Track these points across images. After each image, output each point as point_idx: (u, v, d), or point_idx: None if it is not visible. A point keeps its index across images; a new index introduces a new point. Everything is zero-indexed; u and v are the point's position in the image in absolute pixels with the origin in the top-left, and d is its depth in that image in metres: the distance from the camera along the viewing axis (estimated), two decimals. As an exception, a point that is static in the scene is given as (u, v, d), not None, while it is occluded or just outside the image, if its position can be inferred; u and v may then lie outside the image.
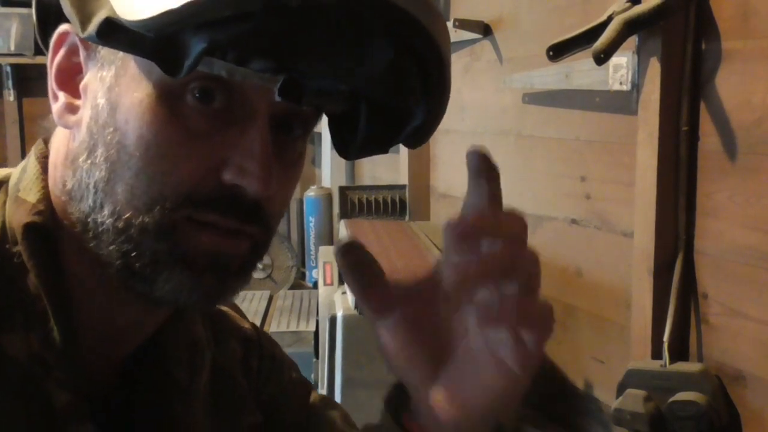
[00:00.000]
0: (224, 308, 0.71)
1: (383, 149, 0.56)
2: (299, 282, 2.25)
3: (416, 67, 0.50)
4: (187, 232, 0.52)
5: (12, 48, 3.45)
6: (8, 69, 3.55)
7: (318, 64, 0.48)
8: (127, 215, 0.51)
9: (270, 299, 2.00)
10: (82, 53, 0.55)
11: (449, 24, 1.73)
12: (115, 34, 0.47)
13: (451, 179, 1.93)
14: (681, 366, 1.12)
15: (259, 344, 0.73)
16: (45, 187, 0.56)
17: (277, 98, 0.48)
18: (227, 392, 0.67)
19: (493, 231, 0.45)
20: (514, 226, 0.46)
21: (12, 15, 3.40)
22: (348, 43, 0.48)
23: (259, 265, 2.16)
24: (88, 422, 0.53)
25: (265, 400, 0.71)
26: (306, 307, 1.89)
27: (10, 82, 3.59)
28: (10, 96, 3.61)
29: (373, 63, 0.49)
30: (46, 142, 0.59)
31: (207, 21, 0.46)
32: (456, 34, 1.75)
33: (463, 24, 1.70)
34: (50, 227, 0.55)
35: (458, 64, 1.83)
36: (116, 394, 0.60)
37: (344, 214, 2.00)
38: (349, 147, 0.57)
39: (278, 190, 0.54)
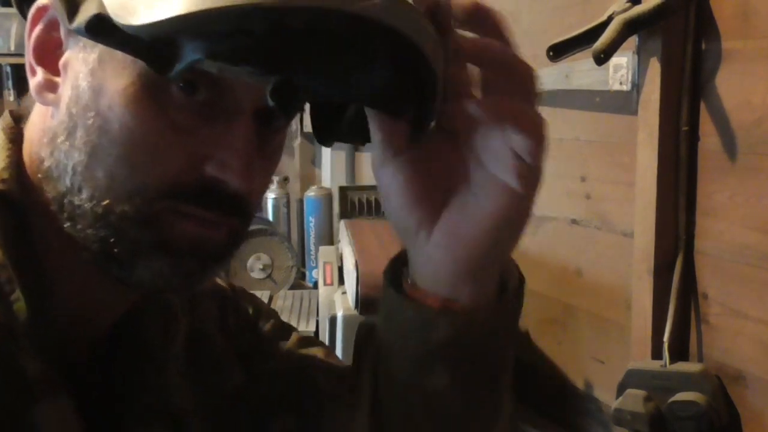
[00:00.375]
0: None
1: (367, 140, 0.55)
2: (299, 282, 2.25)
3: (411, 82, 0.50)
4: (169, 221, 0.52)
5: (12, 48, 3.44)
6: (8, 69, 3.55)
7: (313, 75, 0.48)
8: (107, 202, 0.51)
9: (270, 299, 2.00)
10: (62, 29, 0.54)
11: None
12: (105, 30, 0.46)
13: (451, 179, 1.92)
14: (681, 366, 1.12)
15: (235, 301, 0.73)
16: (10, 157, 0.55)
17: (270, 102, 0.48)
18: (206, 355, 0.67)
19: (492, 29, 0.48)
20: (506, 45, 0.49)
21: (12, 15, 3.40)
22: (347, 62, 0.47)
23: (260, 265, 2.16)
24: (62, 392, 0.52)
25: (243, 354, 0.70)
26: (306, 307, 1.89)
27: (10, 82, 3.58)
28: (10, 96, 3.61)
29: (371, 79, 0.48)
30: (12, 114, 0.58)
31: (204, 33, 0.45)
32: (456, 34, 1.75)
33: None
34: (17, 197, 0.54)
35: (458, 64, 1.83)
36: (93, 365, 0.60)
37: (344, 214, 2.00)
38: (330, 134, 0.56)
39: (259, 181, 0.54)
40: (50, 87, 0.54)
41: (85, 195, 0.51)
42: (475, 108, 0.48)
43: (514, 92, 0.48)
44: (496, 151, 0.49)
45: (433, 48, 0.48)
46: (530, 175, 0.49)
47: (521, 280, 0.57)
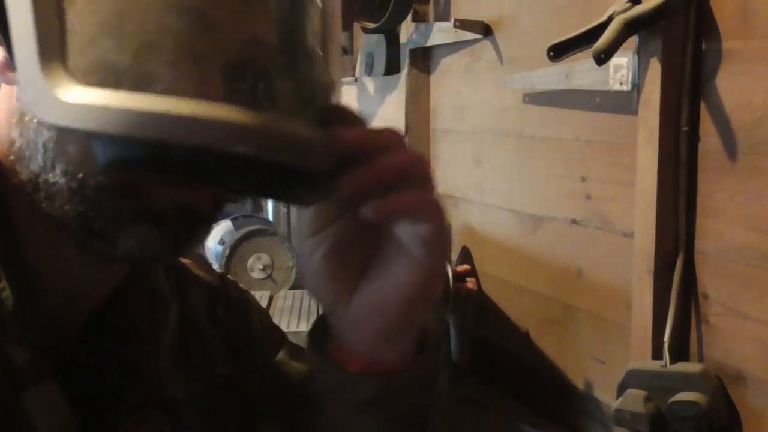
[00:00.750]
0: (187, 260, 0.70)
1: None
2: (299, 282, 2.25)
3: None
4: (150, 188, 0.51)
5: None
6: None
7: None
8: (81, 175, 0.50)
9: (270, 299, 2.00)
10: None
11: (449, 24, 1.73)
12: None
13: (451, 179, 1.93)
14: (681, 366, 1.12)
15: (225, 293, 0.73)
16: None
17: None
18: (197, 343, 0.67)
19: (372, 145, 0.50)
20: (391, 139, 0.51)
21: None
22: (234, 178, 0.49)
23: (260, 266, 2.16)
24: (50, 379, 0.52)
25: (232, 346, 0.70)
26: (306, 307, 1.89)
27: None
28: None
29: (265, 184, 0.50)
30: None
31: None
32: (456, 35, 1.75)
33: (463, 24, 1.70)
34: None
35: (458, 64, 1.83)
36: (82, 350, 0.59)
37: (344, 215, 2.00)
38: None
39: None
40: (11, 65, 0.52)
41: (58, 171, 0.50)
42: (369, 211, 0.50)
43: (409, 185, 0.50)
44: (401, 235, 0.52)
45: (325, 161, 0.48)
46: (434, 252, 0.52)
47: (438, 339, 0.60)
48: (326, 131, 0.48)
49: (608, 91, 1.26)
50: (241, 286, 0.78)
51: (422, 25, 1.91)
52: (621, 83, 1.22)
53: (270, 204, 2.50)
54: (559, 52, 1.22)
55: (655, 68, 1.14)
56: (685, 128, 1.12)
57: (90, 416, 0.55)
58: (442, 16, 1.88)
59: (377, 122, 2.22)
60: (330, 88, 0.54)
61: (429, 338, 0.59)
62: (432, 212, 0.51)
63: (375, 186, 0.50)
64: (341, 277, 0.54)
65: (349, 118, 0.52)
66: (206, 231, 0.56)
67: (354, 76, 2.37)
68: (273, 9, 0.50)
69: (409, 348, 0.57)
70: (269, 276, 2.15)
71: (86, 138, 0.47)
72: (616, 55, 1.12)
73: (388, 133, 0.51)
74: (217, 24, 0.47)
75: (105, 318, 0.61)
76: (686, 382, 1.09)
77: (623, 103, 1.25)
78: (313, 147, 0.47)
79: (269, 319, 0.77)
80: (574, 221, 1.42)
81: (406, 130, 2.01)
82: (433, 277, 0.54)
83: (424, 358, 0.58)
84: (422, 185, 0.51)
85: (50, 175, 0.51)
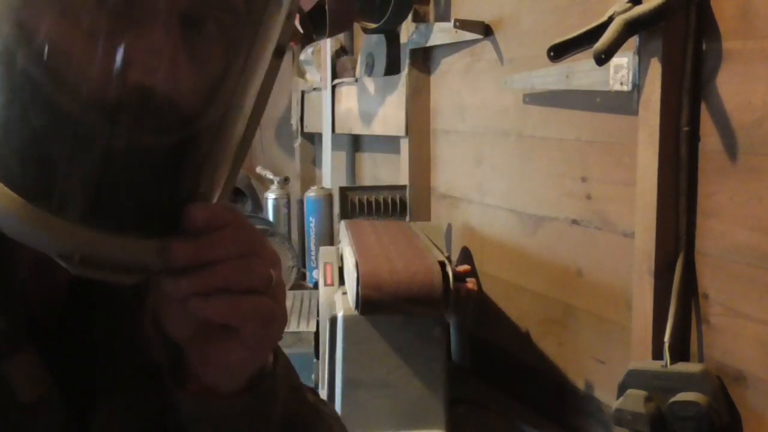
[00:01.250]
0: None
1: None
2: (299, 282, 2.25)
3: None
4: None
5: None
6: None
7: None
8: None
9: (270, 299, 2.00)
10: None
11: (450, 24, 1.73)
12: None
13: (451, 180, 1.93)
14: (682, 366, 1.12)
15: None
16: None
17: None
18: None
19: (210, 256, 0.52)
20: (237, 246, 0.53)
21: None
22: None
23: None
24: (29, 348, 0.53)
25: None
26: (306, 308, 1.89)
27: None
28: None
29: None
30: None
31: None
32: (456, 35, 1.75)
33: (463, 24, 1.70)
34: None
35: (459, 64, 1.83)
36: (65, 320, 0.60)
37: (344, 215, 2.00)
38: None
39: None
40: None
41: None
42: (193, 308, 0.52)
43: (240, 289, 0.53)
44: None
45: (145, 275, 0.52)
46: (260, 339, 0.56)
47: (271, 376, 0.62)
48: (163, 242, 0.51)
49: (608, 92, 1.26)
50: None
51: (422, 26, 1.91)
52: (621, 83, 1.22)
53: (270, 204, 2.50)
54: (559, 52, 1.22)
55: (655, 68, 1.14)
56: (685, 128, 1.12)
57: (75, 384, 0.56)
58: (443, 16, 1.88)
59: (378, 122, 2.22)
60: (205, 193, 0.54)
61: (264, 375, 0.61)
62: (255, 317, 0.54)
63: (198, 291, 0.52)
64: (187, 323, 0.56)
65: (208, 223, 0.53)
66: None
67: (354, 76, 2.37)
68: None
69: (244, 383, 0.59)
70: (269, 276, 2.15)
71: None
72: (616, 55, 1.12)
73: (237, 241, 0.53)
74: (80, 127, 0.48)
75: (87, 286, 0.61)
76: (686, 382, 1.09)
77: (623, 103, 1.25)
78: (134, 268, 0.51)
79: None
80: (574, 221, 1.42)
81: (406, 130, 2.01)
82: (261, 350, 0.58)
83: (257, 391, 0.60)
84: (255, 289, 0.54)
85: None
